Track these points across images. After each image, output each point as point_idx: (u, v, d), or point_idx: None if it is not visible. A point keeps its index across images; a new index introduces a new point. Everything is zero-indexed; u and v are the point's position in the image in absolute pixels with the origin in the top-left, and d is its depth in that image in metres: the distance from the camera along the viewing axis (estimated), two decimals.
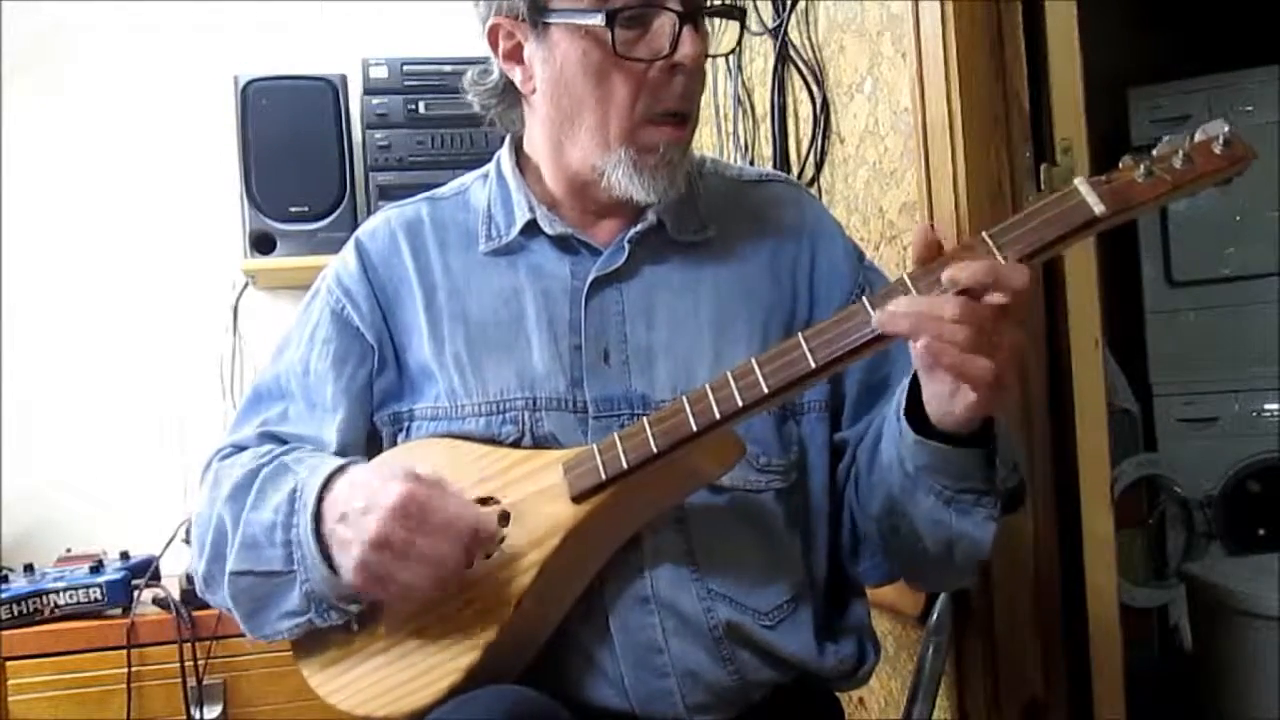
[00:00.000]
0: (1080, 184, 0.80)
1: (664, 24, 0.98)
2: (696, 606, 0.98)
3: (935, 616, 1.26)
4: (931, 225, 0.91)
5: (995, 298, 0.78)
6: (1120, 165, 0.80)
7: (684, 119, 1.02)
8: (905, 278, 0.83)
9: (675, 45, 0.97)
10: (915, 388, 0.89)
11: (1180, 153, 0.79)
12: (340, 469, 0.95)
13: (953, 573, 1.04)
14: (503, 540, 0.94)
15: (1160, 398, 3.08)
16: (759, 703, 1.01)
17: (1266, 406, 2.98)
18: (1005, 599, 1.26)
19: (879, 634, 1.14)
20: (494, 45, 1.06)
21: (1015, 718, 1.26)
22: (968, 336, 0.78)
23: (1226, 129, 0.78)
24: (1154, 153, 0.80)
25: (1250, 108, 3.02)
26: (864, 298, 0.84)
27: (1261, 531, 2.88)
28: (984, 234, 0.81)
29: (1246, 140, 0.78)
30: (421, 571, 0.89)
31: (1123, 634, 1.28)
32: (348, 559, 0.90)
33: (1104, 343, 1.31)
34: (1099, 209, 0.78)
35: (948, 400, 0.85)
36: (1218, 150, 0.78)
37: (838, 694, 1.12)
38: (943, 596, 1.27)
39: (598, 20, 0.97)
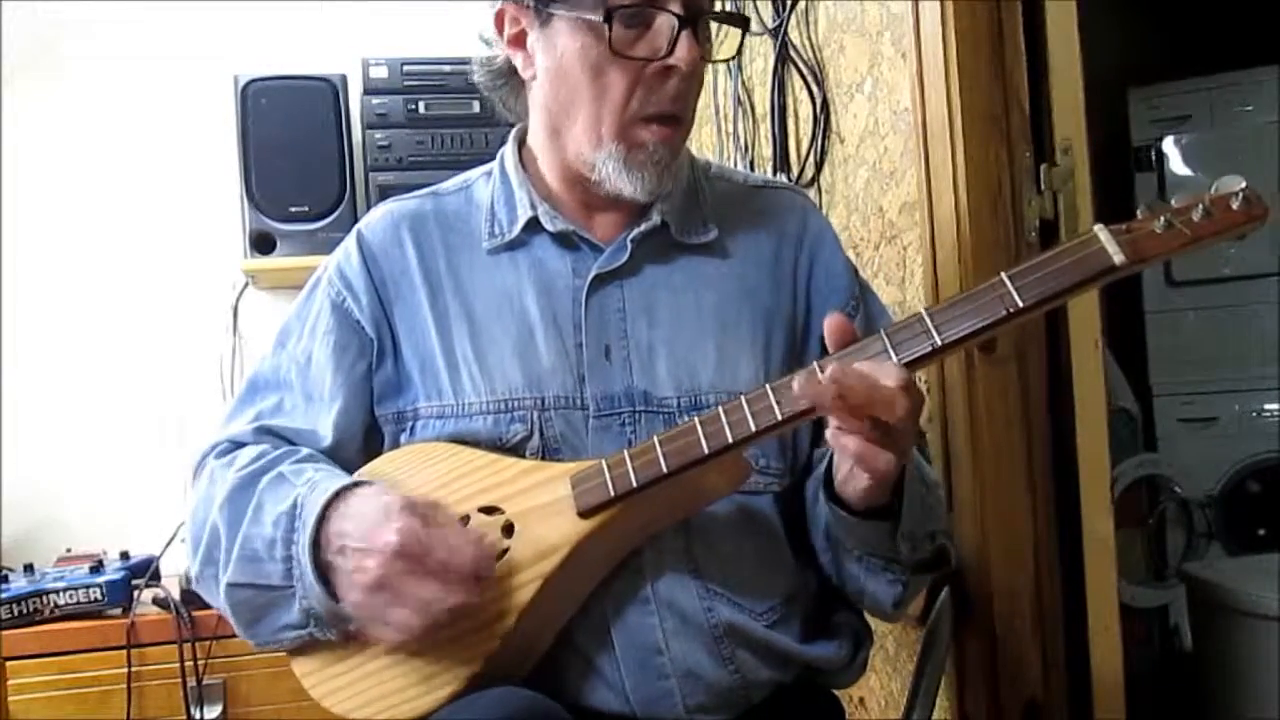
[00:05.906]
0: (1100, 231, 0.81)
1: (664, 25, 0.98)
2: (697, 606, 0.98)
3: (935, 616, 1.26)
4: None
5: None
6: (1139, 215, 0.81)
7: (676, 121, 1.03)
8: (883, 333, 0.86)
9: (673, 48, 0.98)
10: None
11: (1200, 206, 0.80)
12: (338, 494, 0.93)
13: (867, 611, 1.10)
14: (506, 551, 0.94)
15: (1160, 398, 3.07)
16: (759, 703, 1.01)
17: (1266, 406, 2.97)
18: (1005, 599, 1.26)
19: (879, 634, 1.14)
20: (499, 29, 1.06)
21: (1015, 718, 1.26)
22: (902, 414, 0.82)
23: (1244, 185, 0.79)
24: (1173, 204, 0.81)
25: (1250, 108, 3.02)
26: (882, 329, 0.86)
27: (1261, 531, 2.87)
28: (1003, 275, 0.83)
29: (1264, 199, 0.80)
30: (412, 615, 0.88)
31: (1123, 634, 1.28)
32: (347, 594, 0.91)
33: (1104, 343, 1.31)
34: (1118, 258, 0.79)
35: (845, 480, 0.91)
36: (1235, 206, 0.80)
37: (837, 693, 1.12)
38: (943, 596, 1.27)
39: (598, 16, 0.97)
